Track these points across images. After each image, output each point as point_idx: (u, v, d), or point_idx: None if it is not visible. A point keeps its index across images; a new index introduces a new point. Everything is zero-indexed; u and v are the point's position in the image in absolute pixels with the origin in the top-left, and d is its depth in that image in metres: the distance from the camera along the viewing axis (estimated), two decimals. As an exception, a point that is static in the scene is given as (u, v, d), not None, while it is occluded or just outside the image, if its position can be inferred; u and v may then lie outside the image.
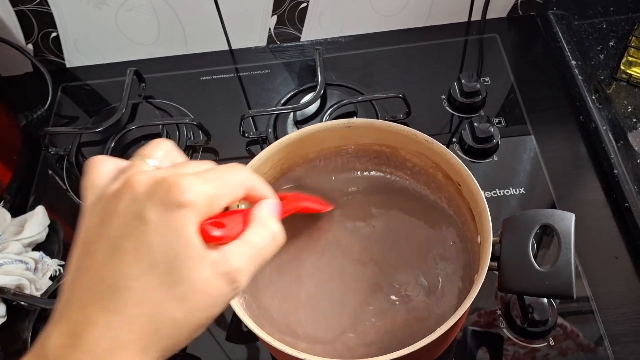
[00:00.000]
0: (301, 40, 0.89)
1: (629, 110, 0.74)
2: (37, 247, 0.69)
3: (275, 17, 0.84)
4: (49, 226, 0.70)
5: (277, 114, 0.77)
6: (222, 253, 0.31)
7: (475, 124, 0.71)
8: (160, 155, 0.36)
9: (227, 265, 0.31)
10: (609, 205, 0.67)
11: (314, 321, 0.53)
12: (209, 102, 0.82)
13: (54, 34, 0.84)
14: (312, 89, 0.78)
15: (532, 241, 0.47)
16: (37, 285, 0.64)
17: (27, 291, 0.63)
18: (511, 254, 0.47)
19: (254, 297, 0.54)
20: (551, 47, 0.83)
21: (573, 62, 0.78)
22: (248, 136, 0.76)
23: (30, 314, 0.63)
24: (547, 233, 0.64)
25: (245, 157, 0.76)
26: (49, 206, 0.72)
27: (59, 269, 0.67)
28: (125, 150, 0.75)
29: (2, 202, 0.72)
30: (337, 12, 0.85)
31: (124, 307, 0.29)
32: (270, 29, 0.86)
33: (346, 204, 0.60)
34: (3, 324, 0.63)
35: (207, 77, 0.85)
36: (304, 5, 0.83)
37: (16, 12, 0.80)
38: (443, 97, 0.78)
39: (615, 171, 0.67)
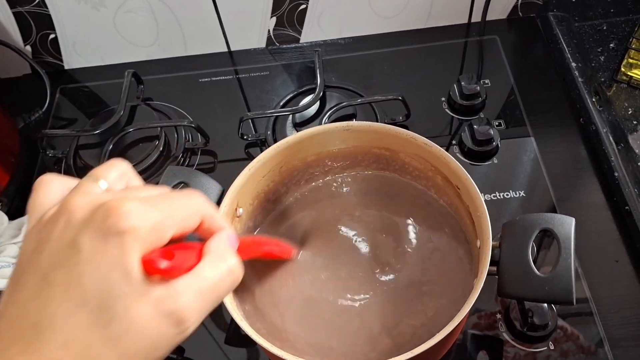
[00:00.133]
0: (300, 41, 0.88)
1: (630, 112, 0.73)
2: (35, 250, 0.68)
3: (274, 18, 0.84)
4: (47, 229, 0.70)
5: (276, 116, 0.77)
6: (168, 289, 0.28)
7: (475, 126, 0.71)
8: (114, 177, 0.33)
9: (173, 303, 0.28)
10: (609, 208, 0.67)
11: (311, 328, 0.52)
12: (208, 104, 0.82)
13: (52, 36, 0.84)
14: (312, 90, 0.78)
15: (532, 245, 0.47)
16: (34, 289, 0.63)
17: (25, 295, 0.62)
18: (511, 258, 0.47)
19: (253, 304, 0.54)
20: (551, 48, 0.83)
21: (573, 64, 0.78)
22: (247, 138, 0.76)
23: (28, 318, 0.63)
24: (547, 235, 0.64)
25: (244, 159, 0.76)
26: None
27: (57, 272, 0.66)
28: (123, 152, 0.75)
29: (-1, 205, 0.72)
30: (337, 13, 0.84)
31: (47, 349, 0.26)
32: (269, 30, 0.86)
33: (346, 206, 0.60)
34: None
35: (206, 79, 0.85)
36: (303, 6, 0.83)
37: (14, 13, 0.80)
38: (443, 99, 0.78)
39: (616, 174, 0.67)
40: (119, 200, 0.28)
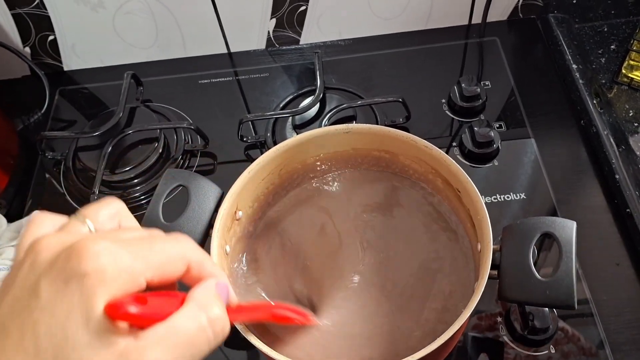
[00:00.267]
0: (300, 43, 0.88)
1: (631, 114, 0.73)
2: (34, 252, 0.68)
3: (274, 20, 0.84)
4: (46, 231, 0.69)
5: (276, 118, 0.77)
6: (136, 340, 0.25)
7: (475, 128, 0.71)
8: (104, 218, 0.31)
9: (139, 357, 0.25)
10: (610, 211, 0.67)
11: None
12: (208, 105, 0.82)
13: (51, 37, 0.84)
14: (311, 92, 0.78)
15: (533, 249, 0.47)
16: (33, 292, 0.63)
17: (23, 298, 0.62)
18: (511, 262, 0.47)
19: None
20: (552, 50, 0.83)
21: (574, 66, 0.78)
22: (247, 140, 0.76)
23: (26, 321, 0.63)
24: (548, 236, 0.64)
25: (243, 161, 0.76)
26: (46, 211, 0.71)
27: (56, 275, 0.66)
28: (122, 154, 0.75)
29: (-2, 207, 0.71)
30: (337, 15, 0.84)
31: None
32: (269, 32, 0.86)
33: (344, 208, 0.60)
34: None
35: (206, 81, 0.85)
36: (303, 8, 0.83)
37: (13, 15, 0.80)
38: (443, 100, 0.78)
39: (617, 176, 0.67)
40: (88, 240, 0.26)
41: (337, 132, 0.57)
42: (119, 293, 0.25)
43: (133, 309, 0.25)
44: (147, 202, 0.71)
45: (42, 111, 0.82)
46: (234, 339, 0.59)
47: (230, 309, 0.32)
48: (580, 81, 0.76)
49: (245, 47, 0.88)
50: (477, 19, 0.86)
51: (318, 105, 0.76)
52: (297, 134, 0.60)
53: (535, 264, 0.46)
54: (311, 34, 0.87)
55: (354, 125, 0.58)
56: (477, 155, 0.71)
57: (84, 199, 0.73)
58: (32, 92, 0.84)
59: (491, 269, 0.46)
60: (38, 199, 0.75)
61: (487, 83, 0.80)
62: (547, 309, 0.57)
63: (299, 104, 0.77)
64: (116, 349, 0.25)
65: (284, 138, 0.74)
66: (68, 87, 0.87)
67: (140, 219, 0.67)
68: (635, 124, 0.72)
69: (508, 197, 0.68)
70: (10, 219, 0.70)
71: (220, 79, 0.85)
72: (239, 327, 0.45)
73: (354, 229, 0.58)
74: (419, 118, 0.76)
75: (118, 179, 0.73)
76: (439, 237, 0.56)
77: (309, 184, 0.61)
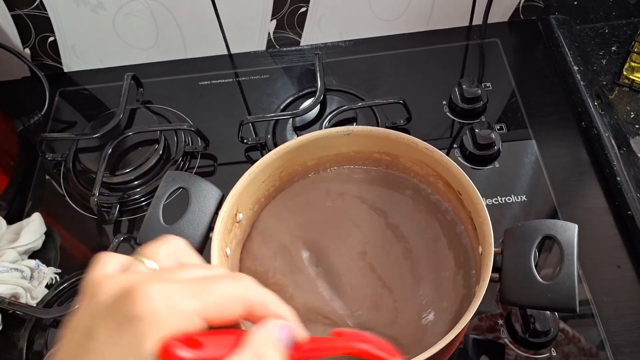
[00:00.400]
0: (301, 44, 0.88)
1: (632, 116, 0.73)
2: (33, 254, 0.68)
3: (274, 21, 0.84)
4: (46, 233, 0.69)
5: (277, 119, 0.77)
6: None
7: (476, 130, 0.71)
8: (163, 255, 0.31)
9: None
10: (611, 213, 0.67)
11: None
12: (208, 107, 0.82)
13: (51, 39, 0.83)
14: (312, 94, 0.77)
15: (535, 252, 0.47)
16: (33, 294, 0.63)
17: (23, 300, 0.62)
18: (513, 265, 0.47)
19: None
20: (552, 52, 0.83)
21: (575, 67, 0.78)
22: (247, 142, 0.76)
23: (26, 323, 0.62)
24: (550, 239, 0.64)
25: (244, 163, 0.75)
26: (46, 213, 0.71)
27: (55, 277, 0.66)
28: (123, 156, 0.74)
29: (-2, 209, 0.71)
30: (337, 16, 0.84)
31: None
32: (269, 33, 0.86)
33: (346, 211, 0.59)
34: (-2, 333, 0.63)
35: (206, 82, 0.85)
36: (303, 9, 0.83)
37: (13, 16, 0.80)
38: (444, 102, 0.78)
39: (618, 178, 0.66)
40: (142, 282, 0.26)
41: (338, 134, 0.57)
42: (173, 334, 0.25)
43: (184, 353, 0.24)
44: (147, 204, 0.72)
45: (42, 112, 0.82)
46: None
47: (299, 348, 0.30)
48: (581, 83, 0.76)
49: (245, 49, 0.88)
50: (478, 20, 0.86)
51: (319, 106, 0.76)
52: (298, 135, 0.60)
53: (535, 266, 0.46)
54: (312, 35, 0.87)
55: (354, 128, 0.58)
56: (478, 157, 0.71)
57: (84, 201, 0.73)
58: (32, 93, 0.84)
59: (492, 271, 0.46)
60: (38, 201, 0.75)
61: (488, 84, 0.80)
62: (548, 312, 0.56)
63: (300, 106, 0.77)
64: None
65: (285, 140, 0.74)
66: (68, 88, 0.87)
67: (140, 220, 0.68)
68: (637, 126, 0.72)
69: (509, 199, 0.68)
70: (10, 220, 0.70)
71: (221, 81, 0.85)
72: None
73: (353, 229, 0.58)
74: (419, 120, 0.76)
75: (118, 181, 0.73)
76: (440, 239, 0.56)
77: (308, 183, 0.61)
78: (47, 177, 0.77)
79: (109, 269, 0.30)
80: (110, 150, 0.73)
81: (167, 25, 0.83)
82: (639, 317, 0.59)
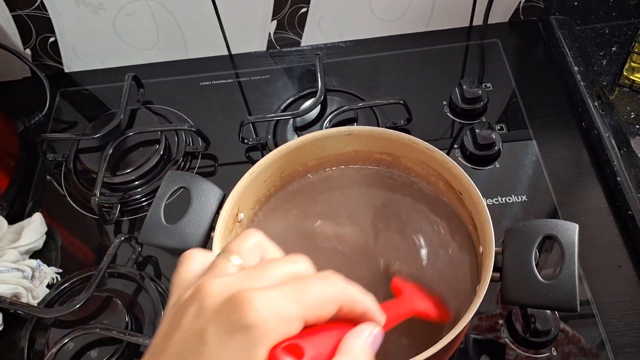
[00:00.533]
0: (301, 45, 0.88)
1: (632, 116, 0.73)
2: (35, 254, 0.68)
3: (275, 22, 0.84)
4: (47, 233, 0.69)
5: (277, 120, 0.77)
6: None
7: (476, 130, 0.71)
8: (246, 250, 0.32)
9: None
10: (612, 213, 0.67)
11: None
12: (209, 107, 0.82)
13: (52, 39, 0.83)
14: (313, 94, 0.78)
15: (535, 251, 0.47)
16: (34, 294, 0.63)
17: (24, 300, 0.62)
18: (514, 265, 0.47)
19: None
20: (553, 52, 0.83)
21: (575, 68, 0.78)
22: (248, 142, 0.76)
23: (27, 323, 0.63)
24: (550, 239, 0.64)
25: (244, 163, 0.75)
26: (46, 213, 0.72)
27: (56, 277, 0.66)
28: (123, 156, 0.74)
29: (-1, 209, 0.71)
30: (338, 17, 0.84)
31: None
32: (270, 33, 0.86)
33: (346, 210, 0.59)
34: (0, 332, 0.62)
35: (207, 83, 0.85)
36: (304, 10, 0.83)
37: (14, 17, 0.80)
38: (444, 102, 0.78)
39: (618, 178, 0.67)
40: (249, 291, 0.28)
41: (338, 134, 0.57)
42: (278, 340, 0.27)
43: None
44: (148, 204, 0.72)
45: (43, 113, 0.82)
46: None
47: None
48: (582, 83, 0.76)
49: (246, 49, 0.88)
50: (478, 20, 0.86)
51: (319, 107, 0.76)
52: (298, 136, 0.60)
53: (536, 266, 0.47)
54: (312, 36, 0.87)
55: (355, 128, 0.58)
56: (479, 157, 0.71)
57: (85, 201, 0.73)
58: (33, 93, 0.84)
59: (493, 271, 0.46)
60: (39, 201, 0.75)
61: (488, 85, 0.80)
62: (549, 311, 0.57)
63: (300, 106, 0.77)
64: None
65: (285, 140, 0.74)
66: (69, 88, 0.87)
67: (141, 220, 0.68)
68: (637, 126, 0.72)
69: (509, 199, 0.68)
70: (11, 220, 0.70)
71: (221, 81, 0.85)
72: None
73: (356, 231, 0.58)
74: (420, 120, 0.76)
75: (119, 181, 0.73)
76: (440, 239, 0.56)
77: (308, 183, 0.61)
78: (48, 177, 0.77)
79: (197, 267, 0.32)
80: (111, 151, 0.73)
81: (167, 26, 0.83)
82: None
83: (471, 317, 0.44)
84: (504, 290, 0.47)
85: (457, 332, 0.43)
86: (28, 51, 0.85)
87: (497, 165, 0.71)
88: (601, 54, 0.80)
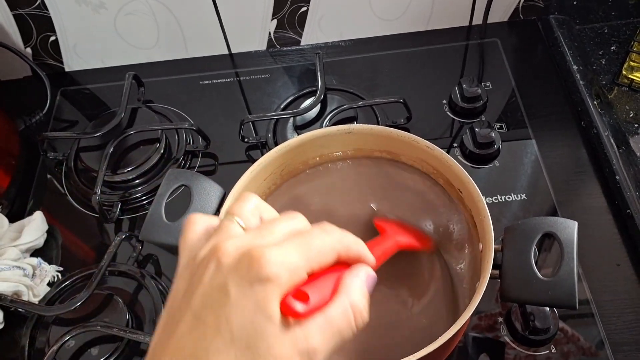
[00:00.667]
0: (301, 44, 0.88)
1: (631, 115, 0.73)
2: (35, 252, 0.68)
3: (275, 21, 0.84)
4: (47, 232, 0.70)
5: (277, 119, 0.77)
6: (302, 329, 0.31)
7: (476, 129, 0.71)
8: (248, 213, 0.35)
9: (307, 343, 0.31)
10: (611, 212, 0.67)
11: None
12: (209, 106, 0.82)
13: (52, 38, 0.84)
14: (313, 93, 0.78)
15: (535, 249, 0.47)
16: (35, 292, 0.63)
17: (25, 298, 0.62)
18: (513, 262, 0.47)
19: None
20: (552, 51, 0.83)
21: (574, 67, 0.78)
22: (248, 141, 0.76)
23: (28, 321, 0.63)
24: (549, 236, 0.64)
25: (245, 162, 0.76)
26: (47, 211, 0.72)
27: (57, 275, 0.66)
28: (124, 155, 0.75)
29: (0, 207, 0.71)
30: (338, 16, 0.84)
31: None
32: (270, 33, 0.86)
33: (347, 209, 0.60)
34: (0, 330, 0.63)
35: (207, 82, 0.85)
36: (304, 9, 0.83)
37: (14, 16, 0.80)
38: (444, 101, 0.78)
39: (617, 177, 0.67)
40: (261, 248, 0.31)
41: (338, 133, 0.57)
42: (288, 290, 0.31)
43: (300, 307, 0.30)
44: (149, 203, 0.72)
45: (44, 112, 0.83)
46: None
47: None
48: (581, 82, 0.76)
49: (246, 48, 0.88)
50: (477, 20, 0.86)
51: (319, 106, 0.76)
52: (298, 134, 0.60)
53: (535, 264, 0.47)
54: (312, 35, 0.87)
55: (355, 126, 0.58)
56: (478, 156, 0.71)
57: (86, 199, 0.73)
58: (34, 92, 0.84)
59: (493, 268, 0.46)
60: (40, 200, 0.75)
61: (487, 84, 0.80)
62: (547, 309, 0.57)
63: (300, 105, 0.77)
64: (290, 337, 0.30)
65: (285, 139, 0.74)
66: (70, 87, 0.87)
67: (142, 219, 0.68)
68: (636, 125, 0.72)
69: (509, 198, 0.69)
70: (12, 219, 0.70)
71: (222, 80, 0.85)
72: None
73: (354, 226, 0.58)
74: (419, 119, 0.76)
75: (119, 180, 0.73)
76: (440, 239, 0.57)
77: (307, 179, 0.61)
78: (49, 175, 0.77)
79: (201, 229, 0.35)
80: (111, 149, 0.73)
81: (168, 25, 0.83)
82: (639, 315, 0.59)
83: (470, 314, 0.44)
84: (503, 287, 0.47)
85: (456, 330, 0.43)
86: (29, 50, 0.85)
87: (497, 164, 0.71)
88: (600, 53, 0.80)
